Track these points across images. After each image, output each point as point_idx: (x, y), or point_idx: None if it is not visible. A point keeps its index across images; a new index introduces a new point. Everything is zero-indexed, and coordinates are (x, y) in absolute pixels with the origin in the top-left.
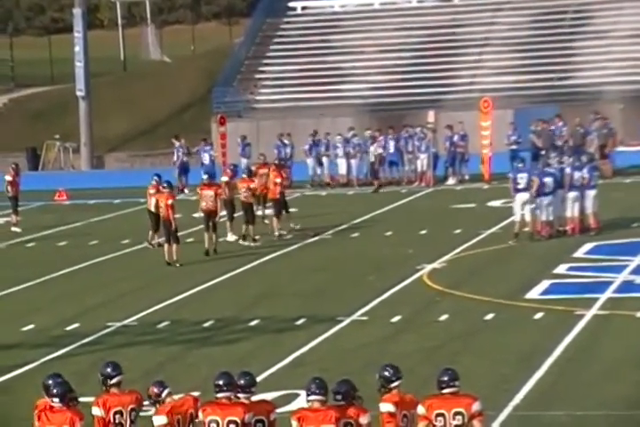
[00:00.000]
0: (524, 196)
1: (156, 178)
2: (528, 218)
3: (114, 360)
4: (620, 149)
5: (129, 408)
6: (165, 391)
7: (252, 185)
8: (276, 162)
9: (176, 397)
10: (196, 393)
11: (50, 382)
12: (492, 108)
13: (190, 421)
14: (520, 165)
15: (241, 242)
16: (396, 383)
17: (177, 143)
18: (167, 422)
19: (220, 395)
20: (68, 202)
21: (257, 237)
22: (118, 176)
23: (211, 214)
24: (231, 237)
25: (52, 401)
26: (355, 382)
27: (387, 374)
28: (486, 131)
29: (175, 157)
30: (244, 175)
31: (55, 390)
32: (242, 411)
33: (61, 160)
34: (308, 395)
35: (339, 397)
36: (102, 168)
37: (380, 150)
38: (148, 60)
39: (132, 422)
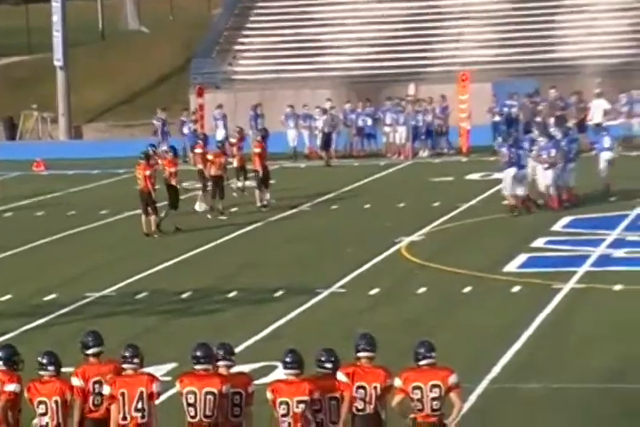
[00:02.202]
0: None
1: (152, 148)
2: (521, 192)
3: (95, 330)
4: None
5: (108, 378)
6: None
7: (235, 163)
8: (260, 132)
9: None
10: (173, 364)
11: None
12: (469, 81)
13: (139, 399)
14: (501, 140)
15: (209, 216)
16: (363, 354)
17: (164, 114)
18: (110, 392)
19: (197, 367)
20: (45, 172)
21: (225, 211)
22: (97, 147)
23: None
24: (200, 207)
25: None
26: None
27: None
28: (464, 104)
29: (163, 128)
30: (217, 149)
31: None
32: (219, 382)
33: (39, 130)
34: (283, 368)
35: (329, 365)
36: (80, 138)
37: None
38: (127, 30)
39: None
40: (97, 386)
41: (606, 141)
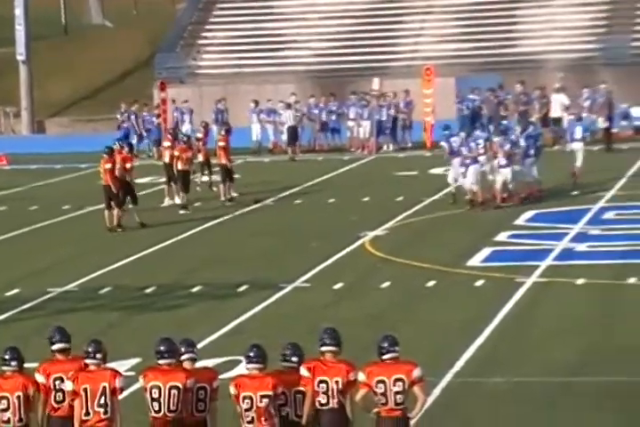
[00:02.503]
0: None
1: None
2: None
3: (62, 326)
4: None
5: (70, 374)
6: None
7: (200, 157)
8: (224, 127)
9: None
10: (137, 359)
11: None
12: (434, 75)
13: (102, 394)
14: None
15: (181, 212)
16: (326, 348)
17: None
18: (73, 388)
19: (161, 362)
20: (8, 167)
21: (188, 206)
22: (59, 141)
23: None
24: (167, 202)
25: None
26: None
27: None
28: (428, 98)
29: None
30: (183, 143)
31: None
32: (184, 376)
33: (1, 124)
34: (246, 362)
35: (294, 359)
36: (43, 133)
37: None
38: (90, 25)
39: None
40: (58, 382)
41: (578, 132)
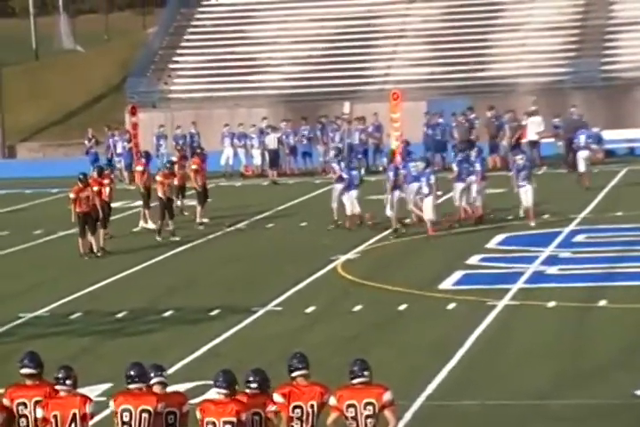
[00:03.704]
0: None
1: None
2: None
3: (34, 351)
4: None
5: (33, 401)
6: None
7: (175, 181)
8: (197, 151)
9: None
10: (108, 384)
11: None
12: (401, 99)
13: (72, 421)
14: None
15: (158, 238)
16: (297, 373)
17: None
18: (43, 415)
19: (131, 386)
20: None
21: (175, 232)
22: (30, 166)
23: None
24: (150, 225)
25: None
26: (269, 373)
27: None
28: (397, 122)
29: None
30: (165, 170)
31: None
32: (155, 400)
33: None
34: (214, 387)
35: (254, 385)
36: (14, 158)
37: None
38: (62, 50)
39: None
40: (21, 408)
41: (582, 140)
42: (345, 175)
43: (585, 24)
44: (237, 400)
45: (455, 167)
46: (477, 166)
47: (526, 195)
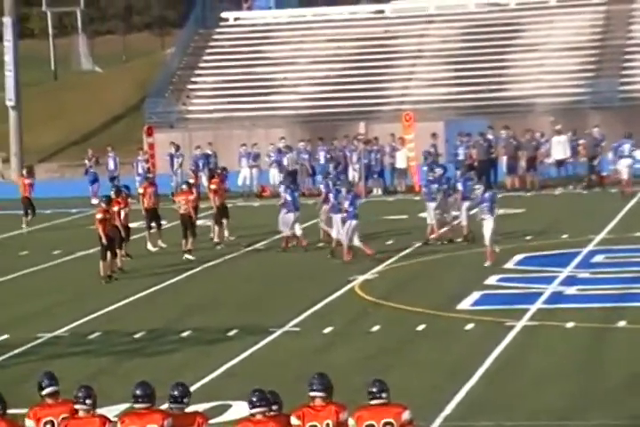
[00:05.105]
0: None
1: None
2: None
3: (50, 371)
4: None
5: (60, 418)
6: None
7: (191, 197)
8: (218, 171)
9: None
10: (127, 405)
11: None
12: (413, 120)
13: None
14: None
15: (187, 257)
16: (314, 393)
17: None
18: None
19: (137, 406)
20: None
21: (192, 252)
22: (49, 186)
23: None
24: (151, 248)
25: None
26: (287, 394)
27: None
28: (410, 143)
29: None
30: (184, 187)
31: None
32: (160, 418)
33: None
34: (250, 407)
35: (275, 407)
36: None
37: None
38: (80, 71)
39: None
40: (48, 426)
41: (626, 148)
42: (289, 198)
43: (603, 44)
44: (274, 418)
45: (460, 187)
46: (459, 186)
47: (486, 229)
